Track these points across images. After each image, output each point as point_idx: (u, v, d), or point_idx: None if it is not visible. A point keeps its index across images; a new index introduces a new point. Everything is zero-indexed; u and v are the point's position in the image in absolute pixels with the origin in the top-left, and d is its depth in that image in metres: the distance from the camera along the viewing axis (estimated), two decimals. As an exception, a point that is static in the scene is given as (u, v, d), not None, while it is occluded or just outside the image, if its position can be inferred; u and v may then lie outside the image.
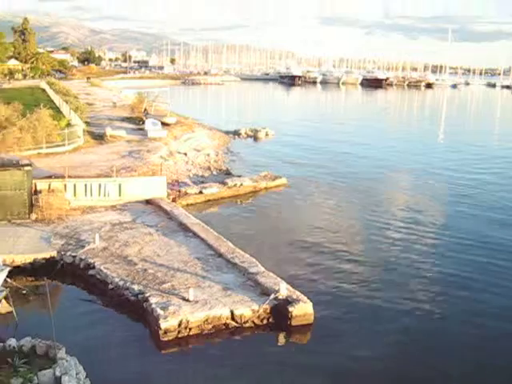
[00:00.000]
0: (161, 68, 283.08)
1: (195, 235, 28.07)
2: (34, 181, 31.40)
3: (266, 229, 32.97)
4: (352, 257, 28.41)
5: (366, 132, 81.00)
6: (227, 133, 70.16)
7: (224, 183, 40.80)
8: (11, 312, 20.06)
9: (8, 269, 21.64)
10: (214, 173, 46.66)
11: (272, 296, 20.80)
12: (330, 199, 40.81)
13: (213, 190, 39.12)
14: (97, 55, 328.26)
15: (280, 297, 20.84)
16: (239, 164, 51.60)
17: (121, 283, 22.20)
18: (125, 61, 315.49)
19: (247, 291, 21.62)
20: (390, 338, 20.41)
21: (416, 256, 28.79)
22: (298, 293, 21.24)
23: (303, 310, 20.40)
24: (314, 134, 74.72)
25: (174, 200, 35.59)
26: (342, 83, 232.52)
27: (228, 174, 46.30)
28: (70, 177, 33.37)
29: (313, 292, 22.52)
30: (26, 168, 30.11)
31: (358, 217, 36.48)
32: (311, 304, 20.65)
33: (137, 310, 20.84)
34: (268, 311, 20.57)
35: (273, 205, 38.81)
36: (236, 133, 70.29)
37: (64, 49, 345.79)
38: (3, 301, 20.22)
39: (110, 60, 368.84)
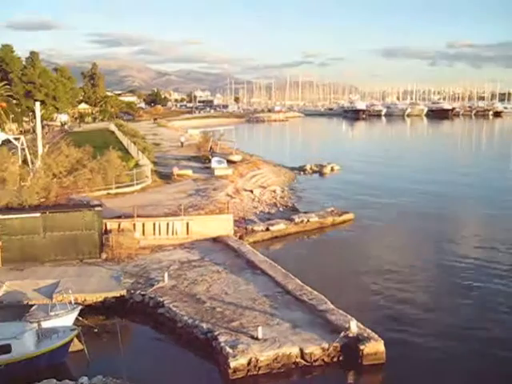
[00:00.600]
0: (225, 107, 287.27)
1: (263, 272, 28.08)
2: (104, 221, 32.25)
3: (334, 265, 32.64)
4: (423, 296, 27.78)
5: (434, 166, 79.28)
6: (292, 169, 70.31)
7: (290, 219, 40.79)
8: (83, 350, 20.46)
9: (80, 307, 22.21)
10: (281, 209, 46.72)
11: (342, 334, 20.50)
12: (398, 235, 40.21)
13: (279, 226, 39.16)
14: (163, 96, 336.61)
15: (350, 335, 20.52)
16: (305, 200, 51.50)
17: (190, 321, 22.36)
18: (190, 101, 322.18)
19: (316, 329, 21.38)
20: (467, 381, 19.69)
21: (493, 296, 27.81)
22: (368, 331, 20.87)
23: (374, 348, 20.00)
24: (381, 169, 73.84)
25: (241, 237, 35.76)
26: (407, 115, 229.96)
27: (294, 210, 46.26)
28: (138, 216, 34.08)
29: (384, 330, 22.00)
30: (97, 209, 30.98)
31: (428, 254, 35.61)
32: (383, 342, 20.23)
33: (206, 349, 20.90)
34: (338, 349, 20.26)
35: (340, 241, 38.49)
36: (301, 169, 70.37)
37: (131, 91, 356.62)
38: (75, 339, 20.66)
39: (176, 101, 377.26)
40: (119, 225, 33.15)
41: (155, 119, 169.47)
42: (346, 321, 21.31)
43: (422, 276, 31.01)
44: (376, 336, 20.50)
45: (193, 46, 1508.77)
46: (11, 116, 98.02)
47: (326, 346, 20.15)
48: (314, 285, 25.78)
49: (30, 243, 29.84)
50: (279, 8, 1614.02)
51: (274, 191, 53.28)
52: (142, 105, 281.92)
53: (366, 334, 20.58)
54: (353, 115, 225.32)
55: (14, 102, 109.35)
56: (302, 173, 68.90)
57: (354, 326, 20.74)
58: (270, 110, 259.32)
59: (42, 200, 33.68)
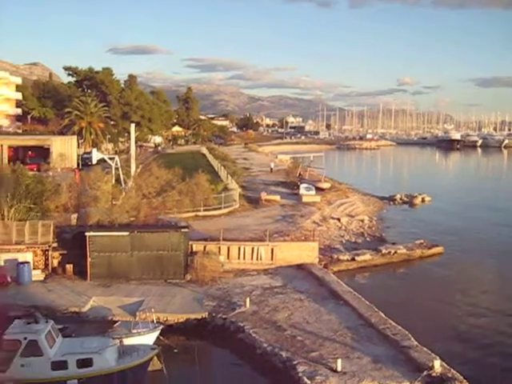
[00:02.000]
0: (316, 133, 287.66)
1: (346, 303, 27.60)
2: (190, 242, 32.74)
3: (420, 300, 31.69)
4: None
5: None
6: (382, 198, 69.21)
7: (377, 250, 40.05)
8: (162, 369, 20.67)
9: (161, 327, 22.54)
10: (368, 239, 46.00)
11: (425, 373, 19.75)
12: (490, 272, 38.64)
13: (365, 256, 38.52)
14: (255, 121, 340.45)
15: (434, 374, 19.74)
16: (394, 230, 50.48)
17: (269, 349, 22.21)
18: (281, 126, 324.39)
19: (398, 366, 20.72)
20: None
21: None
22: (453, 371, 20.01)
23: (459, 390, 19.12)
24: (474, 201, 71.38)
25: (325, 266, 35.37)
26: (505, 147, 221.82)
27: (382, 240, 45.42)
28: (224, 239, 34.38)
29: (470, 371, 21.03)
30: (183, 230, 31.52)
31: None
32: (468, 384, 19.33)
33: (283, 378, 20.64)
34: (421, 389, 19.51)
35: (428, 274, 37.35)
36: (391, 199, 69.16)
37: (224, 116, 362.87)
38: (155, 358, 20.93)
39: (268, 126, 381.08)
40: (205, 247, 33.55)
41: (246, 144, 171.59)
42: (429, 359, 20.55)
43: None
44: (461, 377, 19.60)
45: (286, 72, 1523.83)
46: (108, 136, 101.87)
47: (407, 384, 19.48)
48: (398, 319, 25.05)
49: (118, 261, 30.65)
50: (372, 35, 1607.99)
51: (362, 220, 52.54)
52: (234, 129, 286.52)
53: (450, 375, 19.75)
54: (447, 145, 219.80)
55: (112, 123, 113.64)
56: (391, 203, 67.68)
57: (438, 365, 19.96)
58: (361, 138, 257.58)
59: (132, 219, 34.66)
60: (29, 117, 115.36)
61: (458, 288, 34.48)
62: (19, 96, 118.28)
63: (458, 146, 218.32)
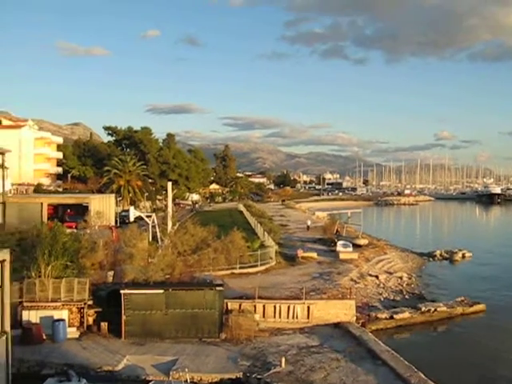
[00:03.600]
0: (353, 189, 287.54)
1: (384, 363, 26.84)
2: (225, 300, 32.50)
3: (461, 360, 30.72)
4: None
5: None
6: (421, 255, 68.17)
7: (416, 308, 39.17)
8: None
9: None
10: (407, 297, 45.08)
11: None
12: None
13: (404, 314, 37.66)
14: (292, 178, 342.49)
15: None
16: (433, 288, 49.42)
17: (305, 411, 21.60)
18: (319, 183, 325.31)
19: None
20: None
21: None
22: None
23: None
24: (517, 258, 69.82)
25: (363, 324, 34.64)
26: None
27: (421, 298, 44.45)
28: (260, 298, 34.05)
29: None
30: (218, 288, 31.32)
31: None
32: None
33: None
34: None
35: (470, 333, 36.26)
36: (430, 255, 68.06)
37: (261, 173, 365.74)
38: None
39: (305, 182, 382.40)
40: (240, 305, 33.26)
41: (283, 200, 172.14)
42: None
43: None
44: None
45: (322, 130, 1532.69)
46: (146, 194, 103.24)
47: None
48: (438, 380, 24.25)
49: (152, 319, 30.49)
50: (408, 91, 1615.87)
51: (401, 277, 51.67)
52: (271, 186, 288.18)
53: None
54: (487, 199, 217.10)
55: (150, 181, 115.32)
56: (431, 259, 66.55)
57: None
58: (399, 193, 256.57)
59: (167, 277, 34.61)
60: (69, 175, 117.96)
61: (501, 348, 33.35)
62: (60, 155, 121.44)
63: (499, 200, 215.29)
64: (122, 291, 30.47)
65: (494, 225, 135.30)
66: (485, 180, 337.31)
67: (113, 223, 66.61)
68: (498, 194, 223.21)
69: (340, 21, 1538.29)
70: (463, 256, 67.84)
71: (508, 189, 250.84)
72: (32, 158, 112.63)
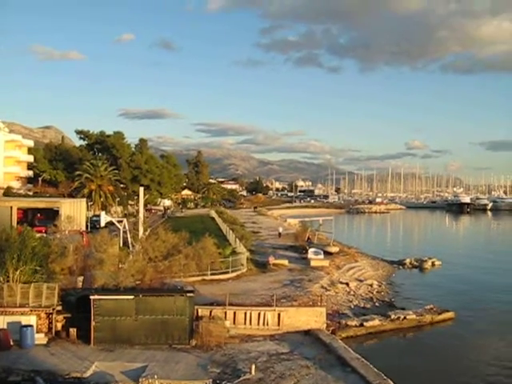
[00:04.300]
0: (325, 197, 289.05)
1: (354, 370, 26.94)
2: (196, 307, 32.39)
3: (430, 368, 30.99)
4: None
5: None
6: (391, 263, 68.65)
7: (386, 315, 39.43)
8: None
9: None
10: (377, 304, 45.38)
11: None
12: (503, 338, 37.77)
13: (374, 322, 37.89)
14: (264, 185, 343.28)
15: None
16: (403, 295, 49.79)
17: (274, 418, 21.58)
18: (291, 190, 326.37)
19: None
20: None
21: None
22: None
23: None
24: (485, 266, 70.57)
25: (333, 332, 34.76)
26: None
27: (391, 305, 44.79)
28: (230, 304, 33.99)
29: None
30: (189, 294, 31.17)
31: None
32: None
33: None
34: None
35: (439, 341, 36.62)
36: (400, 263, 68.57)
37: (234, 179, 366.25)
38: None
39: (277, 190, 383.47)
40: (210, 312, 33.15)
41: (255, 207, 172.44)
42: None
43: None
44: None
45: (296, 137, 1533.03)
46: (117, 199, 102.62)
47: None
48: (407, 387, 24.43)
49: (122, 325, 30.24)
50: (381, 100, 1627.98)
51: (371, 285, 52.00)
52: (244, 193, 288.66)
53: None
54: (457, 209, 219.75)
55: (122, 186, 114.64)
56: (401, 267, 67.04)
57: None
58: (370, 202, 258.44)
59: (137, 283, 34.42)
60: (40, 179, 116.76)
61: (469, 357, 33.76)
62: (31, 158, 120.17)
63: (468, 210, 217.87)
64: (91, 297, 30.19)
65: (464, 234, 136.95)
66: (455, 189, 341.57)
67: (83, 228, 66.03)
68: (468, 204, 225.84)
69: (314, 29, 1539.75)
70: (433, 264, 68.48)
71: (477, 198, 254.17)
72: (2, 161, 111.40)
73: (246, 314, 33.83)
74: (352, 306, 43.33)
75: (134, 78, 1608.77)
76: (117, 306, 30.34)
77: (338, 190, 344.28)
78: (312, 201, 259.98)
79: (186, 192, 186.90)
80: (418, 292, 51.76)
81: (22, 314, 30.52)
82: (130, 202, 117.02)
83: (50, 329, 30.95)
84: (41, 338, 30.00)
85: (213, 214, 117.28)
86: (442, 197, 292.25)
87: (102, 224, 55.81)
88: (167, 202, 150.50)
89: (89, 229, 69.33)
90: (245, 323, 33.71)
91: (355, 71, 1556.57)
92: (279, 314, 34.14)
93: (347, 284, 49.97)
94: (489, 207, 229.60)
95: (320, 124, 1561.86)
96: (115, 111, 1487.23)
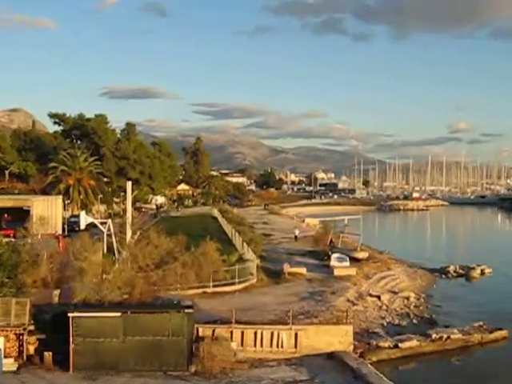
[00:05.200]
0: (352, 191, 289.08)
1: (387, 401, 27.00)
2: (195, 326, 32.44)
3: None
4: None
5: None
6: (432, 271, 68.58)
7: (426, 335, 39.42)
8: None
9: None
10: (414, 321, 45.35)
11: None
12: None
13: (412, 343, 37.86)
14: (277, 178, 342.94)
15: None
16: (446, 310, 49.70)
17: None
18: (310, 184, 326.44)
19: None
20: None
21: None
22: None
23: None
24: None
25: (361, 355, 34.79)
26: None
27: (432, 323, 44.76)
28: (237, 322, 34.04)
29: None
30: (187, 311, 31.18)
31: None
32: None
33: None
34: None
35: (490, 365, 36.56)
36: (443, 271, 68.44)
37: (240, 171, 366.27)
38: None
39: (293, 183, 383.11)
40: (213, 331, 33.24)
41: (267, 205, 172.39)
42: None
43: None
44: None
45: (315, 120, 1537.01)
46: (100, 196, 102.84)
47: None
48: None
49: (107, 348, 30.28)
50: (418, 73, 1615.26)
51: (407, 298, 51.97)
52: (253, 187, 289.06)
53: None
54: (511, 205, 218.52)
55: (105, 180, 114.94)
56: (443, 276, 66.96)
57: None
58: (406, 197, 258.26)
59: (125, 297, 34.51)
60: (7, 172, 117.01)
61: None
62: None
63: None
64: (69, 314, 30.26)
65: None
66: (509, 181, 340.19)
67: (59, 231, 66.28)
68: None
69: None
70: (482, 272, 68.35)
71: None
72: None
73: (256, 333, 33.87)
74: (384, 324, 43.29)
75: (118, 49, 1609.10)
76: (100, 325, 30.39)
77: (366, 184, 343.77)
78: (335, 196, 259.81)
79: (182, 187, 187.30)
80: (464, 306, 51.66)
81: (-14, 335, 30.67)
82: (115, 199, 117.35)
83: (20, 353, 31.03)
84: (9, 364, 30.09)
85: (215, 213, 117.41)
86: (494, 190, 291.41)
87: (82, 226, 55.96)
88: (160, 199, 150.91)
89: (66, 232, 69.54)
90: (255, 345, 33.76)
91: (386, 39, 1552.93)
92: (296, 334, 34.16)
93: (378, 297, 49.95)
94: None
95: (344, 103, 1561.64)
96: (96, 90, 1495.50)
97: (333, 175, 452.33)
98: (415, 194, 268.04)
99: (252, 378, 30.19)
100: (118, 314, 30.61)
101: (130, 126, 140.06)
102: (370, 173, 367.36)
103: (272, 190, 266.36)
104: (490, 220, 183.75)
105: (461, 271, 68.34)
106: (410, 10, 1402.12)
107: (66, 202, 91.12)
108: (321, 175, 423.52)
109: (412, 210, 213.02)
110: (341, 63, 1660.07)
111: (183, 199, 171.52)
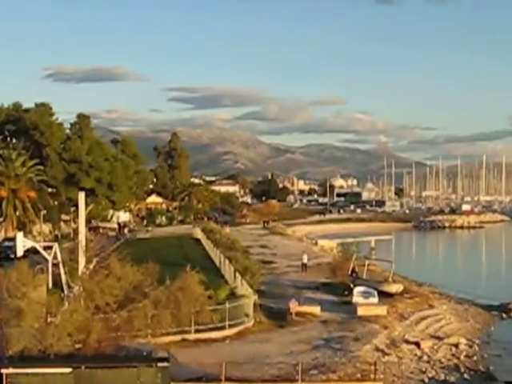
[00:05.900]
0: (380, 204, 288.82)
1: None
2: (172, 384, 32.40)
3: None
4: None
5: None
6: (489, 308, 68.71)
7: (484, 395, 39.55)
8: None
9: None
10: (466, 376, 45.33)
11: None
12: None
13: (465, 406, 38.01)
14: (280, 186, 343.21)
15: None
16: (508, 362, 49.75)
17: None
18: (324, 194, 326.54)
19: None
20: None
21: None
22: None
23: None
24: None
25: (396, 422, 34.87)
26: None
27: (490, 378, 44.77)
28: (228, 380, 34.07)
29: None
30: (161, 364, 31.14)
31: None
32: None
33: None
34: None
35: None
36: (504, 308, 68.56)
37: (231, 177, 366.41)
38: None
39: (302, 193, 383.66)
40: (199, 394, 33.32)
41: (267, 222, 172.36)
42: None
43: None
44: None
45: (330, 108, 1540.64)
46: (43, 212, 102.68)
47: None
48: None
49: (55, 417, 30.33)
50: (465, 43, 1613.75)
51: (456, 345, 52.01)
52: (248, 199, 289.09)
53: None
54: None
55: (50, 190, 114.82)
56: (504, 315, 67.06)
57: None
58: (453, 211, 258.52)
59: (78, 347, 34.46)
60: None
61: None
62: None
63: None
64: (3, 370, 30.26)
65: None
66: None
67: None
68: None
69: None
70: (555, 311, 68.49)
71: None
72: None
73: (253, 395, 33.98)
74: (426, 380, 43.27)
75: (66, 19, 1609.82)
76: (45, 383, 30.39)
77: (399, 193, 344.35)
78: (358, 210, 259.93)
79: (153, 199, 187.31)
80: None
81: None
82: (63, 216, 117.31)
83: None
84: None
85: (198, 233, 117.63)
86: None
87: (20, 252, 55.97)
88: (124, 216, 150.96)
89: (-3, 260, 69.56)
90: (253, 411, 33.86)
91: (419, 1, 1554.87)
92: (309, 395, 34.29)
93: (417, 344, 49.94)
94: None
95: (368, 87, 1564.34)
96: (38, 71, 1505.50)
97: (355, 182, 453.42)
98: (465, 207, 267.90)
99: None
100: (68, 370, 30.57)
101: (82, 119, 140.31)
102: (404, 178, 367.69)
103: (273, 202, 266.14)
104: None
105: (527, 309, 68.53)
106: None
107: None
108: (339, 182, 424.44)
109: (461, 227, 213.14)
110: (363, 33, 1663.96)
111: (155, 216, 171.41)
